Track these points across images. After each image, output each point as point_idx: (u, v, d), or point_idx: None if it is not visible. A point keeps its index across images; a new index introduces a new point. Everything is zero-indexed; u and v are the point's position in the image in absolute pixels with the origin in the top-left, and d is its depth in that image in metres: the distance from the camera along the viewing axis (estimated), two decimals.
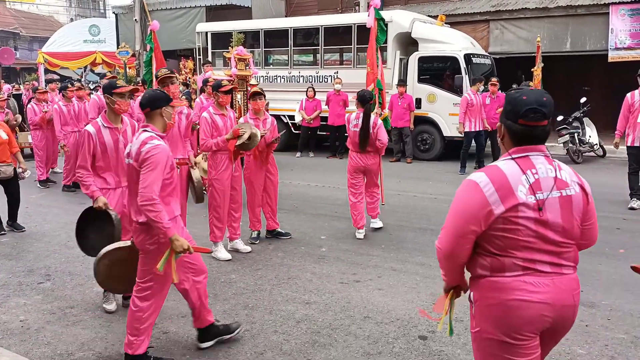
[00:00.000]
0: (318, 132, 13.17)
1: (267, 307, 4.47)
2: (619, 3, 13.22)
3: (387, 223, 6.84)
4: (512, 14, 14.55)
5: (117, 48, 19.50)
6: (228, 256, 5.66)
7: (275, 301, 4.59)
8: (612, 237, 6.14)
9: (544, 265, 2.15)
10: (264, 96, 6.15)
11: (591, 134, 11.68)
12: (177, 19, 18.49)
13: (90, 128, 4.36)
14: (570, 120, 11.69)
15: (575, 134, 11.43)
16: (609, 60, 13.47)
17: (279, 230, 6.37)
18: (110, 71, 20.79)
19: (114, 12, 21.75)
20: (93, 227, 4.28)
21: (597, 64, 14.29)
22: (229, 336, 3.89)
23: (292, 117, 13.35)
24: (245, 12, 17.98)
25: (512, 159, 2.18)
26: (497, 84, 10.74)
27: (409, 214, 7.44)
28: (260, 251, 5.94)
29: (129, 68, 18.67)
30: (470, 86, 10.62)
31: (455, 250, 2.21)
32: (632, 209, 7.48)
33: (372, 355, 3.70)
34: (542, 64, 7.60)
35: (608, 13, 13.32)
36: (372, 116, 6.26)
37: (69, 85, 9.62)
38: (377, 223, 6.63)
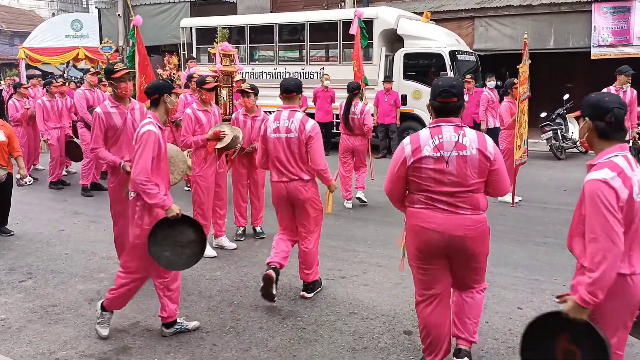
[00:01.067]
0: None
1: (252, 304, 4.46)
2: (602, 1, 13.37)
3: (372, 219, 6.85)
4: (497, 11, 14.65)
5: (100, 43, 19.28)
6: (213, 253, 5.63)
7: (260, 298, 4.56)
8: None
9: (441, 204, 3.03)
10: (255, 94, 6.09)
11: (574, 130, 11.81)
12: (161, 14, 18.32)
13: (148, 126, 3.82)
14: (554, 116, 11.81)
15: (558, 131, 11.56)
16: (592, 57, 13.62)
17: (257, 228, 6.34)
18: (93, 67, 20.47)
19: (96, 7, 21.49)
20: (167, 241, 3.76)
21: (580, 61, 14.44)
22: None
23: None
24: (230, 8, 17.88)
25: (429, 127, 3.10)
26: (472, 80, 11.21)
27: (394, 210, 7.42)
28: (245, 248, 5.91)
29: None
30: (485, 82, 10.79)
31: (392, 191, 3.20)
32: None
33: (358, 350, 3.71)
34: (529, 61, 7.62)
35: (590, 11, 13.47)
36: (360, 104, 7.40)
37: (53, 81, 9.48)
38: (361, 194, 7.66)
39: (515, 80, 7.88)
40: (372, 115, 8.45)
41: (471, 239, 3.04)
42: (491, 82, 10.56)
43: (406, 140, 3.09)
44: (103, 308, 3.92)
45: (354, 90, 7.44)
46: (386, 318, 4.19)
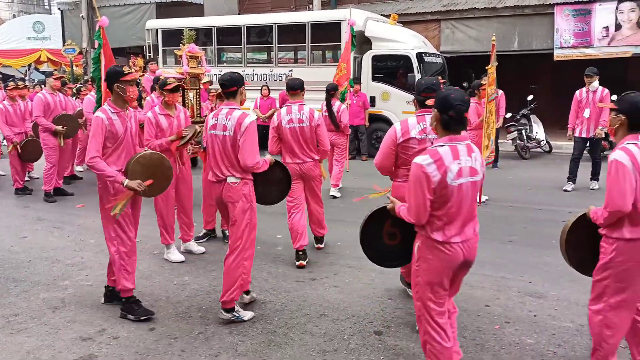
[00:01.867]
0: None
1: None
2: (563, 4, 13.71)
3: (342, 220, 6.86)
4: (462, 14, 14.86)
5: (63, 45, 18.85)
6: (181, 258, 5.54)
7: None
8: (558, 229, 6.28)
9: None
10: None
11: (538, 130, 12.07)
12: (127, 16, 18.01)
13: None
14: (518, 117, 12.05)
15: (523, 131, 11.80)
16: (555, 58, 13.95)
17: (227, 232, 6.25)
18: (56, 69, 20.06)
19: (59, 9, 21.00)
20: (259, 179, 4.35)
21: (543, 63, 14.77)
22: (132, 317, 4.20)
23: None
24: (197, 9, 17.70)
25: (415, 115, 3.82)
26: (445, 81, 11.37)
27: (364, 211, 7.46)
28: (214, 252, 5.84)
29: (76, 66, 18.08)
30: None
31: (383, 163, 3.91)
32: (565, 190, 8.55)
33: (329, 352, 3.70)
34: (497, 63, 7.76)
35: (553, 13, 13.79)
36: (337, 103, 8.12)
37: (10, 84, 9.21)
38: (335, 192, 8.26)
39: (482, 82, 8.02)
40: None
41: None
42: (484, 81, 10.67)
43: (397, 124, 3.85)
44: None
45: (331, 91, 8.12)
46: (356, 319, 4.20)
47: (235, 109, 4.13)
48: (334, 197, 8.22)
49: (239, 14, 18.16)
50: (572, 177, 8.71)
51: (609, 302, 3.12)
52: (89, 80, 9.65)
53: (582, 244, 3.28)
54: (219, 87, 4.26)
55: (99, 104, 7.67)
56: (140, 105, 10.47)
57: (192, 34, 7.98)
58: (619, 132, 3.13)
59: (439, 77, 11.46)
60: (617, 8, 13.25)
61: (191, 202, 5.78)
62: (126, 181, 4.10)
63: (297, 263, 5.34)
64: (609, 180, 3.01)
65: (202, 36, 13.80)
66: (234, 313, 4.14)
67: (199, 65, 8.00)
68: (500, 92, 10.36)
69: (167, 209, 5.52)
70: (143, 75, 13.19)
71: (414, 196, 2.92)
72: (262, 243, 6.08)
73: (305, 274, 5.15)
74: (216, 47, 14.06)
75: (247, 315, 4.21)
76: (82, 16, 18.43)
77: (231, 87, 4.14)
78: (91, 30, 18.36)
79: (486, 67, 7.75)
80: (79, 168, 10.47)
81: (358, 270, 5.21)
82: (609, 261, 3.08)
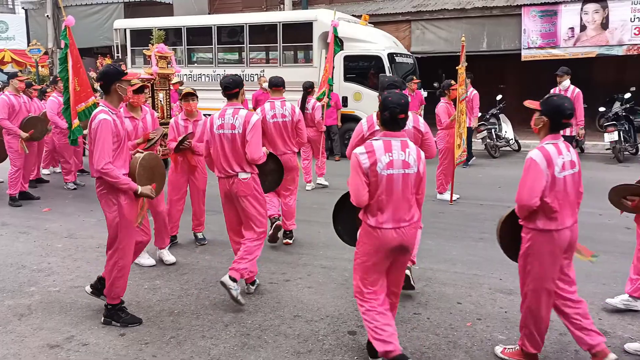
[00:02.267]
0: None
1: (194, 312, 4.34)
2: (530, 5, 13.98)
3: (315, 221, 6.85)
4: (432, 15, 15.02)
5: (28, 46, 18.38)
6: (152, 262, 5.42)
7: (202, 305, 4.47)
8: None
9: None
10: (197, 97, 5.92)
11: (507, 129, 12.28)
12: (94, 15, 17.68)
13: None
14: (488, 116, 12.24)
15: (492, 130, 11.98)
16: (522, 59, 14.21)
17: (198, 234, 6.19)
18: (21, 70, 19.56)
19: (23, 8, 20.50)
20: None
21: (511, 63, 15.02)
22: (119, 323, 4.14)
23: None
24: (166, 9, 17.48)
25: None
26: (418, 81, 11.45)
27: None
28: (186, 255, 5.76)
29: (42, 67, 17.67)
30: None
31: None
32: None
33: (303, 354, 3.69)
34: (466, 63, 7.86)
35: (520, 14, 14.05)
36: (312, 100, 8.60)
37: None
38: (322, 181, 8.97)
39: (452, 82, 8.12)
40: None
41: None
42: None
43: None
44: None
45: (308, 89, 8.77)
46: (330, 319, 4.19)
47: (240, 108, 4.48)
48: (322, 184, 9.04)
49: (209, 13, 18.00)
50: None
51: (529, 287, 3.38)
52: (54, 80, 9.34)
53: (512, 234, 3.50)
54: (190, 87, 4.44)
55: (67, 104, 7.51)
56: None
57: (161, 33, 7.89)
58: (541, 132, 3.35)
59: (414, 78, 11.57)
60: (582, 9, 13.58)
61: (163, 208, 5.52)
62: (140, 189, 3.98)
63: (284, 241, 5.96)
64: (522, 177, 3.26)
65: (172, 36, 13.63)
66: (251, 286, 4.69)
67: (169, 66, 7.91)
68: (475, 92, 10.51)
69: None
70: None
71: (352, 180, 3.29)
72: None
73: (278, 276, 5.12)
74: (186, 47, 13.90)
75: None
76: (48, 16, 18.02)
77: (234, 89, 4.47)
78: (57, 30, 17.97)
79: (456, 67, 7.85)
80: (45, 171, 10.22)
81: (332, 271, 5.20)
82: (527, 249, 3.34)
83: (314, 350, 3.73)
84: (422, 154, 3.40)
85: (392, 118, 3.27)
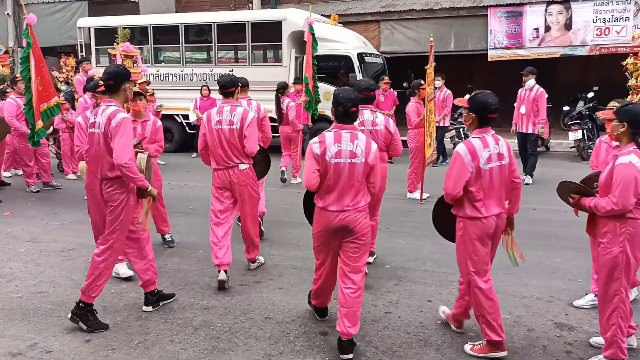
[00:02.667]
0: None
1: (162, 316, 4.26)
2: (496, 6, 14.22)
3: (286, 221, 6.82)
4: (401, 15, 15.14)
5: None
6: (129, 273, 5.17)
7: (171, 309, 4.39)
8: None
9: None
10: (144, 96, 5.73)
11: None
12: (57, 13, 17.26)
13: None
14: (456, 116, 12.39)
15: (461, 129, 12.14)
16: (489, 59, 14.45)
17: (165, 236, 6.04)
18: None
19: None
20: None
21: (479, 63, 15.25)
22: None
23: (186, 117, 12.92)
24: (131, 7, 17.20)
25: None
26: (390, 82, 11.36)
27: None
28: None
29: (2, 66, 17.11)
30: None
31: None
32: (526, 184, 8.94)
33: (274, 356, 3.65)
34: (435, 64, 7.94)
35: (487, 15, 14.28)
36: (287, 100, 9.07)
37: None
38: (297, 180, 9.06)
39: (422, 82, 8.18)
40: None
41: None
42: (437, 82, 10.74)
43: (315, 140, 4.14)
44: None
45: (281, 89, 9.13)
46: (302, 320, 4.16)
47: (237, 106, 4.87)
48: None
49: (176, 12, 17.75)
50: (525, 169, 9.23)
51: (469, 269, 3.60)
52: (14, 80, 8.99)
53: (445, 218, 3.82)
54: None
55: (29, 105, 7.29)
56: (73, 107, 10.05)
57: (126, 32, 7.71)
58: (471, 127, 3.61)
59: (385, 78, 11.59)
60: (546, 10, 13.89)
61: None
62: (150, 187, 4.07)
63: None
64: (448, 169, 3.57)
65: (138, 35, 13.39)
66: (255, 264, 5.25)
67: (135, 65, 7.74)
68: (449, 92, 10.60)
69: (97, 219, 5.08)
70: (75, 75, 12.67)
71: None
72: (204, 247, 5.93)
73: (249, 277, 5.07)
74: (153, 46, 13.67)
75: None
76: (8, 13, 17.50)
77: (231, 88, 4.87)
78: (18, 28, 17.47)
79: (425, 67, 7.91)
80: (6, 174, 9.91)
81: (303, 271, 5.17)
82: (460, 237, 3.62)
83: (285, 352, 3.69)
84: (374, 146, 3.63)
85: (345, 112, 3.57)
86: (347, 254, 3.65)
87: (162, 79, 13.32)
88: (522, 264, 5.36)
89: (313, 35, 10.02)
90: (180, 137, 13.48)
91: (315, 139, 3.63)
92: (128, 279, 5.00)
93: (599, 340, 3.72)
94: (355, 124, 4.33)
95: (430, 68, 7.83)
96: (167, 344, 3.83)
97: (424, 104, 7.98)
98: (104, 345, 3.81)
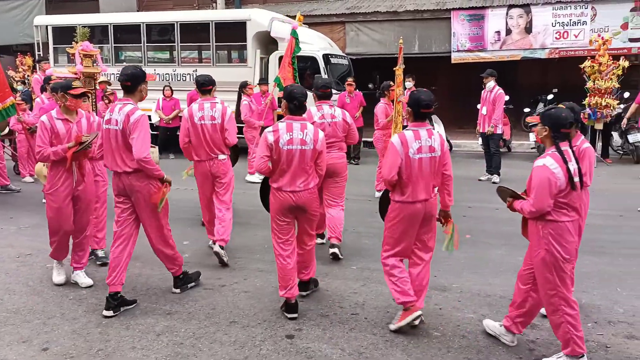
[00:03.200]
0: (177, 133, 12.62)
1: (123, 322, 4.13)
2: (459, 9, 14.43)
3: (252, 224, 6.74)
4: (366, 17, 15.21)
5: None
6: (89, 282, 4.93)
7: (132, 315, 4.27)
8: (459, 224, 6.58)
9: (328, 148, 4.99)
10: (88, 97, 5.29)
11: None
12: (13, 11, 16.69)
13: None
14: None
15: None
16: (452, 61, 14.65)
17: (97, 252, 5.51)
18: None
19: None
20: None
21: (443, 65, 15.45)
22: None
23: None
24: (91, 5, 16.77)
25: (315, 105, 5.47)
26: (354, 83, 11.31)
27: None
28: None
29: None
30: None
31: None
32: (479, 180, 9.43)
33: None
34: (403, 65, 7.98)
35: (450, 18, 14.48)
36: (243, 98, 9.60)
37: None
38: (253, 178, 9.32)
39: (391, 83, 8.22)
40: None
41: (340, 166, 5.50)
42: (408, 83, 10.78)
43: (304, 114, 4.36)
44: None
45: (242, 88, 9.69)
46: (268, 324, 4.11)
47: (217, 102, 5.37)
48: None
49: (137, 11, 17.40)
50: (489, 168, 9.56)
51: (389, 250, 4.02)
52: None
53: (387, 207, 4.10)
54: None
55: None
56: (30, 107, 9.72)
57: (85, 31, 7.53)
58: (409, 121, 3.97)
59: (349, 79, 11.59)
60: (507, 14, 14.17)
61: (89, 222, 5.02)
62: (166, 175, 4.36)
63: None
64: (384, 157, 3.98)
65: (98, 33, 13.08)
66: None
67: (94, 64, 7.56)
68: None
69: (62, 225, 4.77)
70: (32, 74, 12.27)
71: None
72: None
73: (213, 281, 4.98)
74: (113, 45, 13.36)
75: None
76: None
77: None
78: None
79: (394, 69, 7.94)
80: None
81: (269, 274, 5.11)
82: (388, 216, 4.00)
83: (251, 357, 3.63)
84: (321, 134, 4.20)
85: (298, 106, 4.13)
86: (304, 225, 4.36)
87: None
88: (485, 263, 5.45)
89: (296, 39, 9.69)
90: None
91: (270, 128, 4.12)
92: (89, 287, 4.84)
93: (489, 323, 3.95)
94: (316, 118, 5.19)
95: (399, 69, 7.87)
96: (128, 350, 3.71)
97: (393, 105, 8.01)
98: (62, 353, 3.68)
